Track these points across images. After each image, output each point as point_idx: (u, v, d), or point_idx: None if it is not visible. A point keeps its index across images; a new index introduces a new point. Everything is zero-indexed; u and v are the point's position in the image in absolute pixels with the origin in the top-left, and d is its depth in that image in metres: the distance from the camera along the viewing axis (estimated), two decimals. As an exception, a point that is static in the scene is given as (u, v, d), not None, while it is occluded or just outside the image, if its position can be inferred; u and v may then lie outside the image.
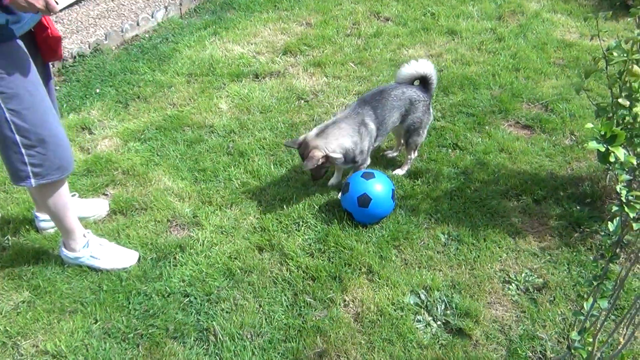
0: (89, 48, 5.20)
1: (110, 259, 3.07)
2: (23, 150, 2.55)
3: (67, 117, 4.35)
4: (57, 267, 3.07)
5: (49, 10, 2.28)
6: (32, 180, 2.63)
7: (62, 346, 2.66)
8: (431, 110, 3.66)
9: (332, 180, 3.68)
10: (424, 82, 3.58)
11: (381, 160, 3.91)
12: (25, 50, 2.48)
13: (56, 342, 2.68)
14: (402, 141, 3.82)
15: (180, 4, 6.04)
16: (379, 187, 3.25)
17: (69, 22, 5.74)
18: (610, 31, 5.45)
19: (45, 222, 3.25)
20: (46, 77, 2.78)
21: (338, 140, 3.30)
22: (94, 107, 4.49)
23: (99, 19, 5.85)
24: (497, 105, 4.39)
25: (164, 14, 5.85)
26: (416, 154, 3.75)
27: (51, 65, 2.86)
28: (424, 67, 3.51)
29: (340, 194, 3.43)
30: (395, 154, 3.95)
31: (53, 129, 2.63)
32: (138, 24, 5.60)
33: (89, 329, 2.76)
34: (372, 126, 3.40)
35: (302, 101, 4.57)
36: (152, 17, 5.74)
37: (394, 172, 3.72)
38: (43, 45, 2.69)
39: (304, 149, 3.30)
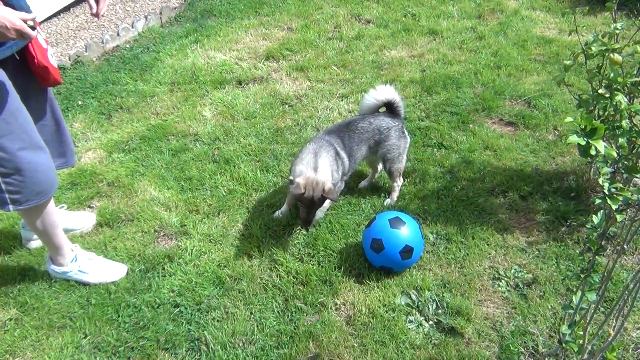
0: (70, 60, 5.15)
1: (99, 273, 3.03)
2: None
3: (50, 131, 4.30)
4: (44, 283, 3.03)
5: (23, 37, 2.22)
6: (10, 207, 2.58)
7: (52, 363, 2.62)
8: (406, 134, 3.51)
9: (279, 213, 3.44)
10: (390, 107, 3.44)
11: (364, 190, 3.72)
12: (4, 77, 2.40)
13: (45, 359, 2.64)
14: (377, 170, 3.69)
15: (161, 13, 6.01)
16: (413, 231, 3.00)
17: (48, 34, 5.69)
18: (589, 26, 5.51)
19: (30, 231, 3.20)
20: (45, 101, 2.75)
21: (329, 171, 3.17)
22: (77, 120, 4.45)
23: (79, 30, 5.81)
24: (480, 103, 4.42)
25: (145, 24, 5.82)
26: (401, 180, 3.57)
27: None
28: (386, 93, 3.37)
29: (369, 252, 3.03)
30: (366, 183, 3.72)
31: (30, 157, 2.53)
32: (118, 35, 5.57)
33: (78, 344, 2.73)
34: (343, 154, 3.28)
35: (287, 106, 4.56)
36: (133, 27, 5.71)
37: (385, 203, 3.52)
38: (35, 73, 2.63)
39: (315, 186, 3.03)
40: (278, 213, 3.43)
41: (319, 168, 3.13)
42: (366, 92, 3.45)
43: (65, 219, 3.27)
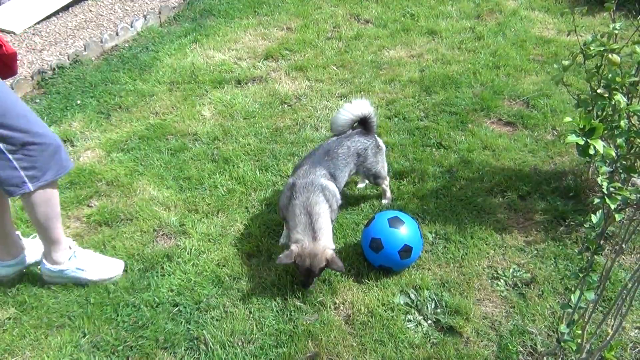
0: (68, 59, 5.15)
1: (97, 269, 3.01)
2: (10, 156, 2.49)
3: (48, 130, 4.30)
4: (42, 282, 3.03)
5: None
6: (29, 185, 2.57)
7: (51, 362, 2.62)
8: (380, 144, 3.43)
9: (283, 239, 3.27)
10: (364, 123, 3.32)
11: (363, 190, 3.73)
12: None
13: (44, 358, 2.64)
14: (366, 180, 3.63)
15: (160, 13, 6.01)
16: (412, 230, 3.01)
17: (47, 34, 5.68)
18: (587, 26, 5.52)
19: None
20: None
21: (329, 230, 3.00)
22: (75, 119, 4.45)
23: (78, 30, 5.80)
24: (479, 103, 4.42)
25: (143, 23, 5.82)
26: (388, 180, 3.53)
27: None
28: (362, 107, 3.24)
29: (368, 251, 3.03)
30: (364, 184, 3.70)
31: (34, 128, 2.54)
32: (117, 34, 5.56)
33: (77, 343, 2.72)
34: (332, 187, 3.14)
35: (286, 105, 4.56)
36: (132, 26, 5.70)
37: (383, 203, 3.51)
38: (1, 63, 2.58)
39: (312, 258, 2.85)
40: (282, 239, 3.30)
41: (318, 233, 2.92)
42: (340, 107, 3.31)
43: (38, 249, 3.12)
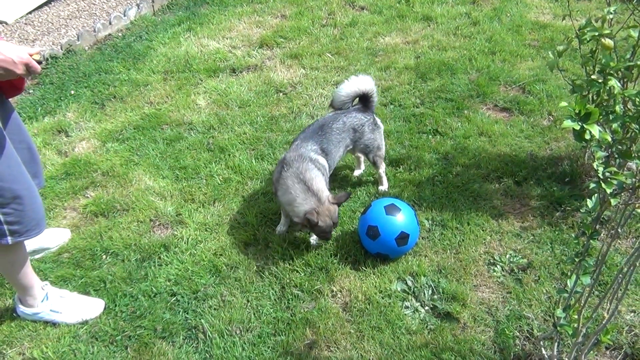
0: (61, 49, 5.11)
1: (73, 312, 2.79)
2: None
3: (42, 121, 4.27)
4: (40, 273, 3.03)
5: (29, 73, 2.13)
6: (9, 239, 2.39)
7: (49, 352, 2.62)
8: (378, 122, 3.44)
9: (280, 228, 3.29)
10: (364, 99, 3.35)
11: (359, 178, 3.75)
12: None
13: (43, 349, 2.64)
14: (362, 159, 3.68)
15: (153, 1, 5.95)
16: (409, 217, 3.02)
17: (39, 23, 5.63)
18: (583, 11, 5.50)
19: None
20: (8, 111, 2.51)
21: (326, 190, 3.06)
22: (70, 109, 4.42)
23: (70, 19, 5.75)
24: (474, 89, 4.41)
25: (137, 12, 5.77)
26: (384, 165, 3.52)
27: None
28: (365, 83, 3.27)
29: (365, 239, 3.05)
30: (360, 172, 3.74)
31: (26, 182, 2.39)
32: (110, 23, 5.51)
33: (75, 333, 2.73)
34: (322, 161, 3.15)
35: (281, 94, 4.54)
36: (125, 15, 5.66)
37: (379, 190, 3.52)
38: (6, 84, 2.40)
39: (333, 214, 2.96)
40: (279, 227, 3.31)
41: (320, 194, 2.98)
42: (341, 83, 3.33)
43: (40, 238, 3.01)
